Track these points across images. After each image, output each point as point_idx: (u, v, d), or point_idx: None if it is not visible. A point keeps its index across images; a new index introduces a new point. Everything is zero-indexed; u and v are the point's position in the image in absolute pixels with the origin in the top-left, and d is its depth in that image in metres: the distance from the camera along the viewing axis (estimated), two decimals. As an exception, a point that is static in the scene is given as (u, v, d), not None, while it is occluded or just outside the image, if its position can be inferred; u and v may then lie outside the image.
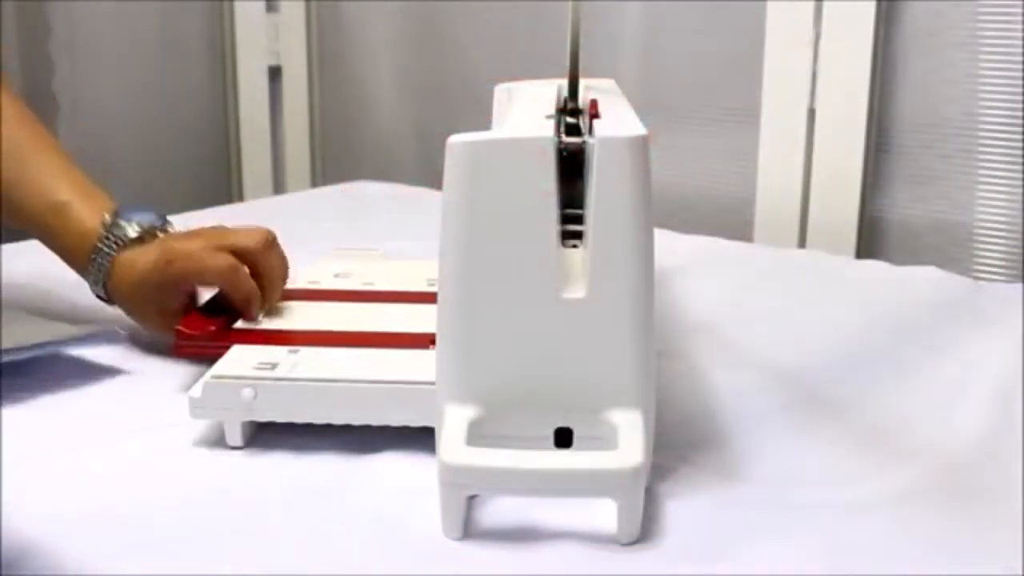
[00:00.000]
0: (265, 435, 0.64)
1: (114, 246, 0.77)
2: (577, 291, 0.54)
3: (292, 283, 0.81)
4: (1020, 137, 1.13)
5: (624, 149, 0.53)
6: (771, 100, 1.27)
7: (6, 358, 0.70)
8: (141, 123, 1.75)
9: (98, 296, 0.79)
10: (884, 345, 0.82)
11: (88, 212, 0.79)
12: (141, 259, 0.76)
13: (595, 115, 0.59)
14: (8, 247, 1.02)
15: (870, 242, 1.25)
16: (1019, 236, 1.15)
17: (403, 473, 0.60)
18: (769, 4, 1.25)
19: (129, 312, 0.79)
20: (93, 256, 0.77)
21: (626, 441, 0.53)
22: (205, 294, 0.77)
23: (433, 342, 0.57)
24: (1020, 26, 1.11)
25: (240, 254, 0.75)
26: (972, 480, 0.60)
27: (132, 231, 0.77)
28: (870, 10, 1.18)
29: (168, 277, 0.75)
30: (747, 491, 0.59)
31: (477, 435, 0.54)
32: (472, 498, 0.55)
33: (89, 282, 0.79)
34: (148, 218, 0.79)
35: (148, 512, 0.56)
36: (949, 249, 1.20)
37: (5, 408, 0.68)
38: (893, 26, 1.19)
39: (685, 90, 1.37)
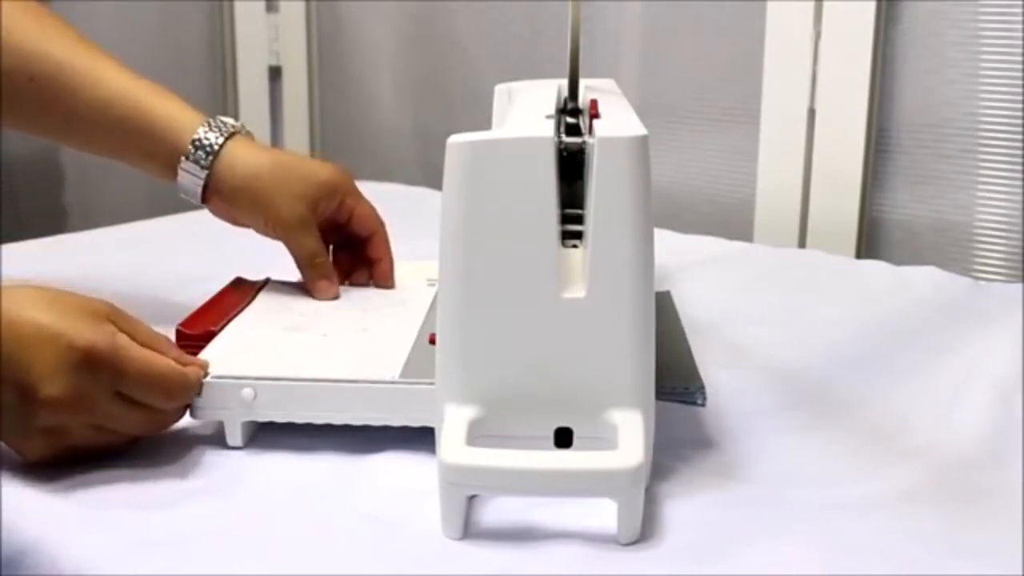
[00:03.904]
0: (265, 435, 0.64)
1: (220, 135, 0.79)
2: (577, 291, 0.54)
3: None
4: (1020, 137, 1.13)
5: (624, 149, 0.53)
6: (771, 100, 1.27)
7: None
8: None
9: (184, 191, 0.80)
10: (884, 345, 0.82)
11: (175, 103, 0.80)
12: (254, 151, 0.80)
13: (595, 115, 0.59)
14: (8, 247, 1.02)
15: (870, 242, 1.25)
16: (1019, 236, 1.15)
17: (403, 473, 0.60)
18: (769, 4, 1.25)
19: (227, 203, 0.80)
20: (194, 147, 0.78)
21: (626, 441, 0.53)
22: (206, 295, 0.78)
23: (434, 340, 0.57)
24: (1020, 26, 1.11)
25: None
26: (972, 480, 0.60)
27: (231, 122, 0.80)
28: (870, 10, 1.18)
29: (285, 170, 0.78)
30: (747, 491, 0.58)
31: (477, 435, 0.54)
32: (472, 498, 0.55)
33: (186, 173, 0.79)
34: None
35: (148, 512, 0.56)
36: (949, 249, 1.20)
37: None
38: (893, 26, 1.19)
39: (685, 90, 1.37)
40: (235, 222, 0.82)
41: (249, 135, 0.82)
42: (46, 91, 0.79)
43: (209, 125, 0.79)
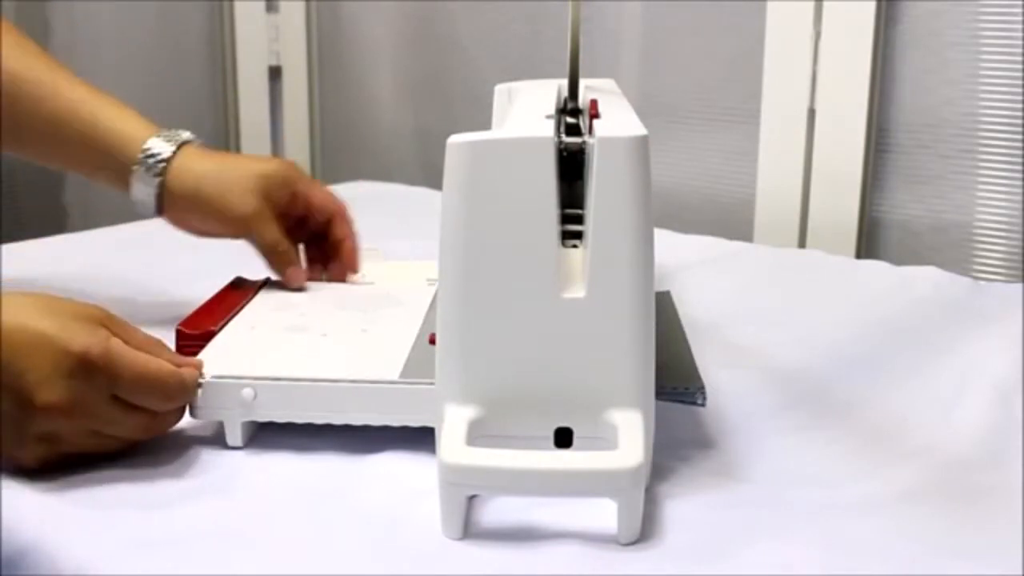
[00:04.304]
0: (265, 435, 0.64)
1: (172, 145, 0.79)
2: (577, 291, 0.54)
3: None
4: (1020, 137, 1.13)
5: (624, 149, 0.53)
6: (771, 100, 1.27)
7: None
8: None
9: (139, 203, 0.80)
10: (884, 345, 0.82)
11: (128, 115, 0.81)
12: (202, 158, 0.80)
13: (595, 115, 0.59)
14: (8, 247, 1.02)
15: (870, 242, 1.25)
16: (1019, 236, 1.15)
17: (403, 473, 0.60)
18: (769, 4, 1.25)
19: (182, 212, 0.80)
20: (145, 156, 0.79)
21: (626, 441, 0.53)
22: (205, 294, 0.78)
23: (434, 340, 0.57)
24: (1020, 26, 1.11)
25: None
26: (972, 480, 0.60)
27: (184, 134, 0.80)
28: (870, 10, 1.18)
29: (232, 170, 0.79)
30: (747, 491, 0.59)
31: (477, 435, 0.54)
32: (472, 498, 0.55)
33: (139, 184, 0.79)
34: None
35: (147, 512, 0.56)
36: (949, 249, 1.20)
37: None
38: (893, 26, 1.19)
39: (685, 90, 1.37)
40: (193, 231, 0.83)
41: (202, 145, 0.82)
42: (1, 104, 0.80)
43: (161, 136, 0.80)
